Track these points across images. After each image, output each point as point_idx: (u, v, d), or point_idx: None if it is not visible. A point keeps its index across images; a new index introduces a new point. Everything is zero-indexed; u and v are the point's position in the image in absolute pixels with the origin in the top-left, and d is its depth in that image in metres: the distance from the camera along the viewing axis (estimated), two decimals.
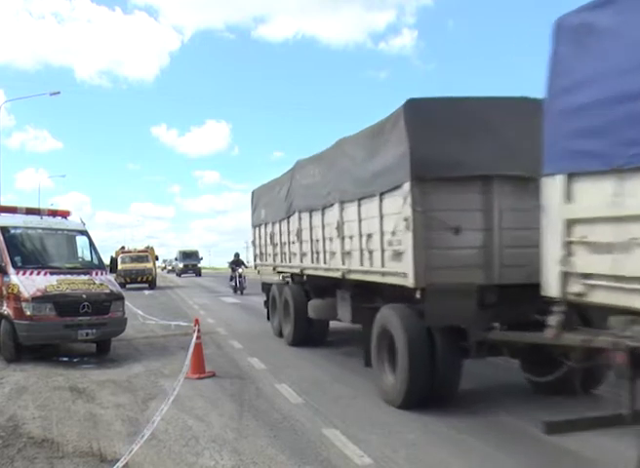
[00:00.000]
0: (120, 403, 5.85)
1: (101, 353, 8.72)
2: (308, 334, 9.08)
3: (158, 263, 38.91)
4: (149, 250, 31.35)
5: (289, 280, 10.51)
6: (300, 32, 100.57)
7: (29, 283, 7.99)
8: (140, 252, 30.55)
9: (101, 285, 8.58)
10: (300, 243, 8.77)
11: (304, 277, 9.26)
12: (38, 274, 8.25)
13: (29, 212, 9.45)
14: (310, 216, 8.26)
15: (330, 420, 5.17)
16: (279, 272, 10.87)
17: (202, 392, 6.28)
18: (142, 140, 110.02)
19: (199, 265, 46.39)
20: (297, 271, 9.35)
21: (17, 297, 7.84)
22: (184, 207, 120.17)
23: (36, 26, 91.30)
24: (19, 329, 7.74)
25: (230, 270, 23.64)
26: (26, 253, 8.66)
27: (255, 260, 12.63)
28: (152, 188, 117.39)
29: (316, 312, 8.49)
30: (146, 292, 24.83)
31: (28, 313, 7.72)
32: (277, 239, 10.22)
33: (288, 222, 9.37)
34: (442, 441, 4.66)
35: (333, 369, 7.68)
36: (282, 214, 9.57)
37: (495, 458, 4.28)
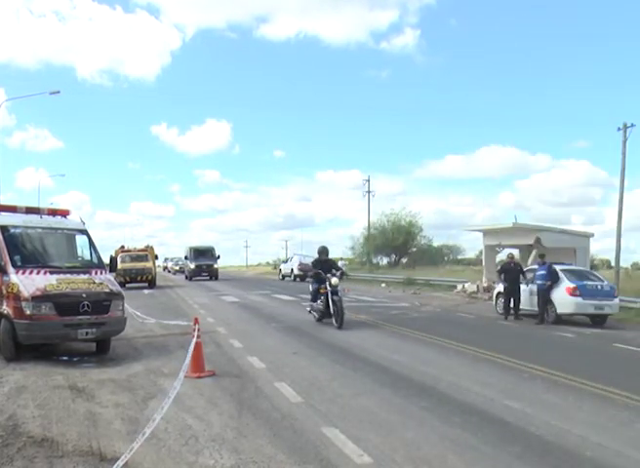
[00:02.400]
0: (120, 402, 5.85)
1: (101, 352, 8.71)
2: None
3: (158, 263, 38.65)
4: (149, 249, 31.29)
5: None
6: (303, 32, 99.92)
7: (29, 282, 7.98)
8: (139, 251, 30.54)
9: (101, 284, 8.57)
10: None
11: None
12: (38, 273, 8.24)
13: (29, 211, 9.43)
14: None
15: (329, 419, 5.18)
16: None
17: (202, 391, 6.29)
18: (142, 139, 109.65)
19: (216, 266, 37.04)
20: None
21: (16, 297, 7.83)
22: (184, 206, 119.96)
23: (37, 25, 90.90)
24: (18, 328, 7.73)
25: (312, 278, 13.07)
26: (26, 253, 8.64)
27: None
28: (152, 187, 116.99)
29: None
30: (146, 291, 24.82)
31: (28, 312, 7.71)
32: None
33: None
34: (441, 439, 4.67)
35: (332, 367, 7.70)
36: None
37: (494, 456, 4.29)
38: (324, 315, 12.31)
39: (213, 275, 36.31)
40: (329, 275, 12.29)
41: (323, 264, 12.96)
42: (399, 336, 10.82)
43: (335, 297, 11.92)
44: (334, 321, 11.78)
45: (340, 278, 12.53)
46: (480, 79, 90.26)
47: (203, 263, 36.30)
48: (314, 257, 13.90)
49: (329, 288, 12.07)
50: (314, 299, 12.78)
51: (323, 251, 13.51)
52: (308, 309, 13.15)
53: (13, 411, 5.37)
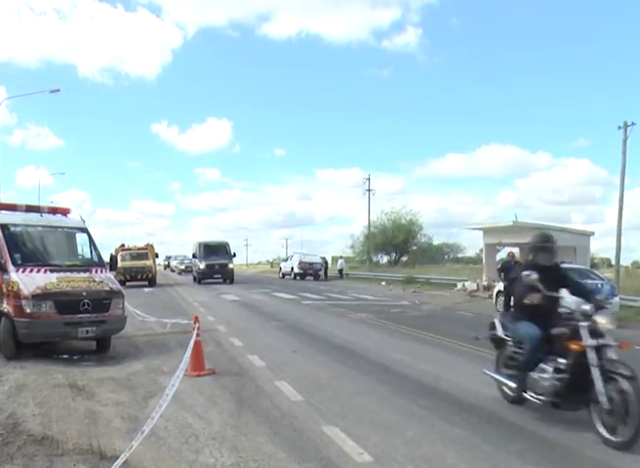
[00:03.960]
0: (120, 400, 5.85)
1: (101, 351, 8.71)
2: None
3: (158, 261, 38.34)
4: (149, 247, 31.28)
5: None
6: (304, 30, 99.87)
7: (29, 280, 7.98)
8: (139, 249, 30.51)
9: (101, 282, 8.57)
10: None
11: None
12: (38, 272, 8.23)
13: (29, 209, 9.41)
14: None
15: (329, 418, 5.17)
16: None
17: (202, 389, 6.29)
18: (143, 138, 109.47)
19: (231, 266, 30.29)
20: None
21: (16, 295, 7.83)
22: (184, 204, 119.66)
23: (37, 23, 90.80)
24: (18, 326, 7.73)
25: (498, 305, 7.07)
26: (26, 251, 8.63)
27: None
28: (152, 186, 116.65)
29: None
30: (146, 289, 24.83)
31: (28, 311, 7.71)
32: None
33: None
34: (441, 438, 4.67)
35: (332, 366, 7.70)
36: None
37: (494, 455, 4.29)
38: (564, 400, 5.01)
39: (227, 277, 29.59)
40: (585, 307, 5.02)
41: (547, 275, 5.34)
42: (399, 335, 10.82)
43: (611, 367, 4.73)
44: (603, 431, 4.59)
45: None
46: (481, 78, 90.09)
47: (216, 263, 29.54)
48: (509, 261, 6.19)
49: (590, 341, 4.83)
50: (529, 365, 5.26)
51: (546, 244, 5.64)
52: (510, 384, 5.53)
53: (13, 410, 5.37)
